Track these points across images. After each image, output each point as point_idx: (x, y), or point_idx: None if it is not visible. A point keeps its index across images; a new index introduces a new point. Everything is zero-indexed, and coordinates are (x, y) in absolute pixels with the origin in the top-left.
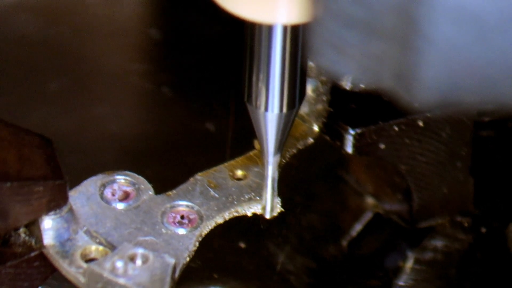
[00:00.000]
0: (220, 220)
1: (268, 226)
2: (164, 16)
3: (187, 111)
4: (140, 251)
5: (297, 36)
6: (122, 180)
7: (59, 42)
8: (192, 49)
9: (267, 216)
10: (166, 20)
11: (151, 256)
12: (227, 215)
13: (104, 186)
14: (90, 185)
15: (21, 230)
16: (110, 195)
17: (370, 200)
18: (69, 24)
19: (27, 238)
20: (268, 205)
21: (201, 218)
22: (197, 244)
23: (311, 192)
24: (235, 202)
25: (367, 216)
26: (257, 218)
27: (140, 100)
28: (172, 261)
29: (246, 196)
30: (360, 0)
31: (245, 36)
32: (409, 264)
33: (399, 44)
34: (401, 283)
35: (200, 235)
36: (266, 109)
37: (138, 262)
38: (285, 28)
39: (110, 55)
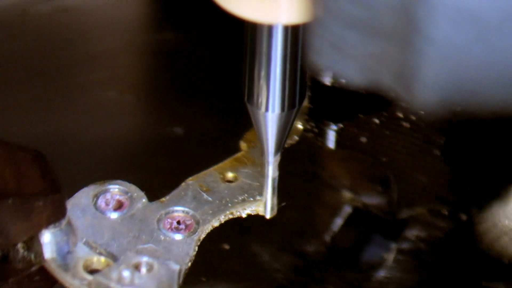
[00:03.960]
0: (216, 224)
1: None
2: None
3: (154, 117)
4: (144, 259)
5: (297, 36)
6: (114, 190)
7: (13, 58)
8: (151, 55)
9: (267, 216)
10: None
11: (155, 264)
12: (222, 218)
13: (97, 196)
14: (83, 196)
15: (20, 245)
16: (104, 205)
17: (347, 194)
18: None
19: (26, 253)
20: (268, 204)
21: (197, 222)
22: (196, 248)
23: (289, 190)
24: (229, 205)
25: (346, 210)
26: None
27: (105, 109)
28: (177, 267)
29: (239, 198)
30: (360, 0)
31: (245, 36)
32: (392, 255)
33: (399, 44)
34: (385, 274)
35: (199, 239)
36: (266, 109)
37: (143, 270)
38: (285, 28)
39: (66, 67)
